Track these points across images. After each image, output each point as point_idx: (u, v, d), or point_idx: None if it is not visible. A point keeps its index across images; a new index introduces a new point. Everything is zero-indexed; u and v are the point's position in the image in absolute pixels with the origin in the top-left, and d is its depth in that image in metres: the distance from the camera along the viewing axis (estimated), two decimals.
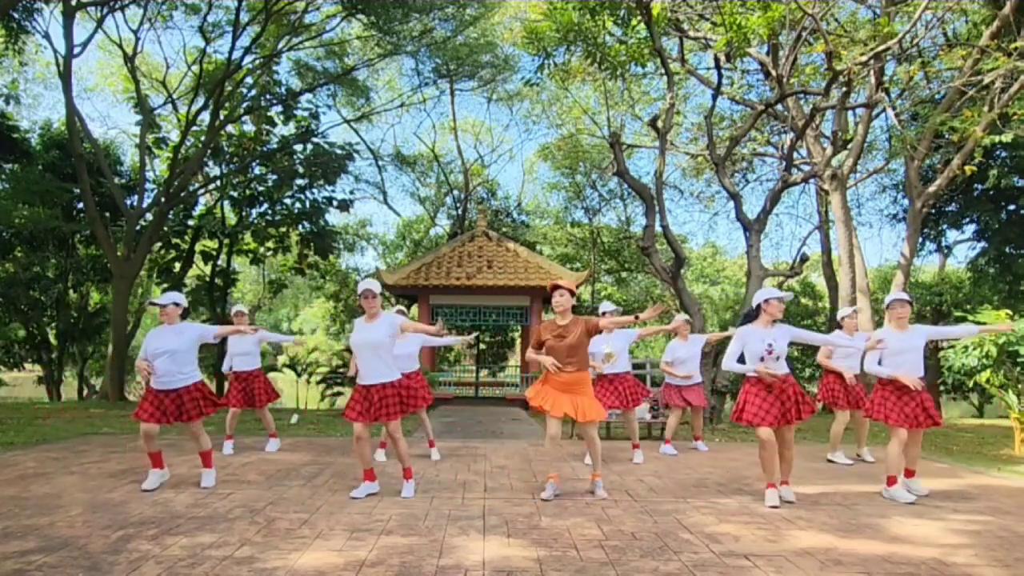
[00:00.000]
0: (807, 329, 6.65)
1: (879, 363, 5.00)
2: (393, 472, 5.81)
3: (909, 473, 5.07)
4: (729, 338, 5.18)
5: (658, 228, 11.22)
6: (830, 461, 6.57)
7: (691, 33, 12.70)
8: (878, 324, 14.73)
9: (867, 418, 5.35)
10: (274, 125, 19.26)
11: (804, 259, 14.33)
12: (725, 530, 4.04)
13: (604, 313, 6.33)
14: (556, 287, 4.84)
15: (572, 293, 4.86)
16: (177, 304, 5.13)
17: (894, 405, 4.91)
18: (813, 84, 12.65)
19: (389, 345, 4.81)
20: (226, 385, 7.55)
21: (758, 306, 4.82)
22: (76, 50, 14.04)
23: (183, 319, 5.18)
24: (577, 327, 4.74)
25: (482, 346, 23.49)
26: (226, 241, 19.60)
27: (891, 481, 4.95)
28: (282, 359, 38.37)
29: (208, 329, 5.26)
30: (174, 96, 17.74)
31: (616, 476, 5.75)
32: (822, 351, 6.58)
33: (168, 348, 4.93)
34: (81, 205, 17.90)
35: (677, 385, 7.15)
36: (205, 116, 16.61)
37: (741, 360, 4.84)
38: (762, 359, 4.69)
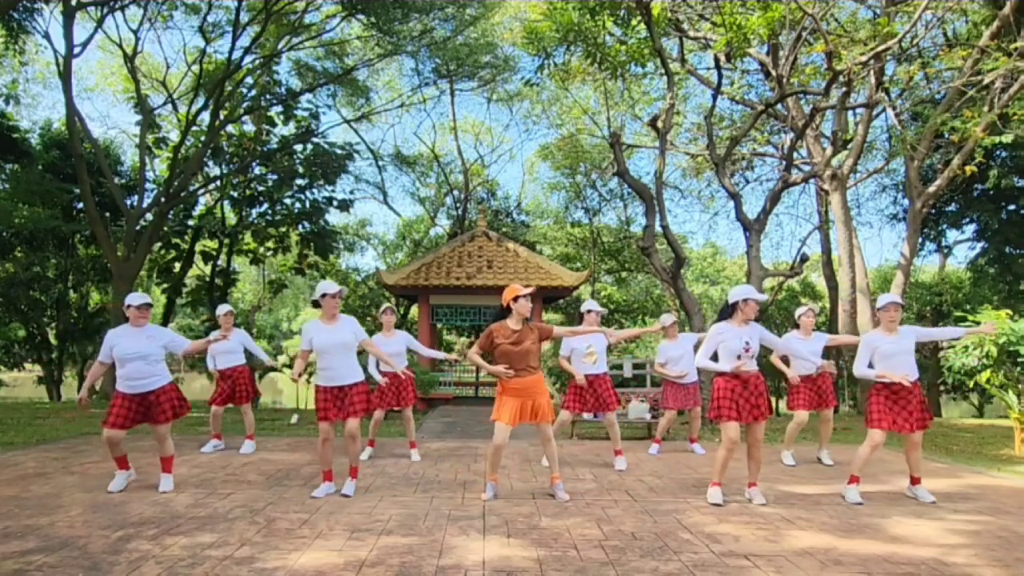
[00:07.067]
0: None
1: (869, 366, 4.95)
2: (393, 472, 5.82)
3: (915, 480, 5.02)
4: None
5: (658, 228, 11.22)
6: (780, 461, 6.55)
7: (691, 33, 12.70)
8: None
9: (870, 428, 5.02)
10: (274, 125, 19.25)
11: (804, 259, 14.32)
12: (725, 530, 4.04)
13: (589, 311, 6.15)
14: (522, 295, 4.80)
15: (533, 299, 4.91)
16: (150, 305, 5.11)
17: (887, 411, 4.87)
18: (813, 84, 12.65)
19: (354, 345, 4.91)
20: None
21: (734, 304, 4.78)
22: (76, 50, 14.03)
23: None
24: (529, 335, 4.79)
25: None
26: (226, 241, 19.59)
27: (852, 480, 4.96)
28: (282, 359, 38.47)
29: (180, 342, 5.15)
30: (174, 96, 17.73)
31: (616, 476, 5.76)
32: (776, 352, 6.43)
33: (142, 352, 4.88)
34: (81, 205, 17.89)
35: (678, 384, 7.11)
36: (205, 116, 16.60)
37: (714, 358, 4.84)
38: (739, 357, 4.70)
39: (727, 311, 4.86)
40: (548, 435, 4.89)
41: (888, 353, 4.87)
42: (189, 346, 5.20)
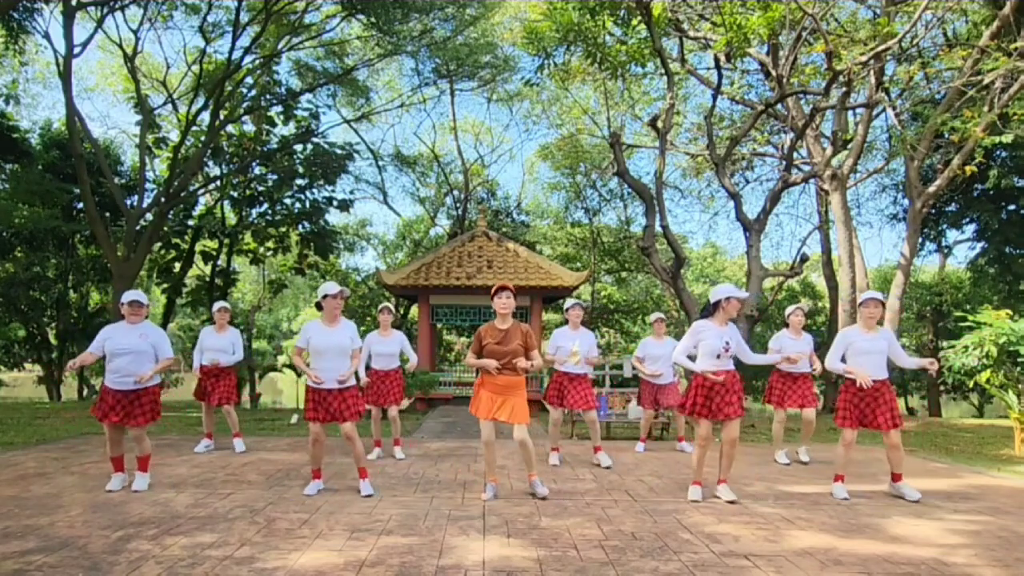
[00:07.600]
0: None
1: (842, 360, 4.98)
2: (393, 472, 5.82)
3: (895, 477, 5.01)
4: None
5: (658, 228, 11.24)
6: (775, 461, 6.56)
7: (691, 33, 12.71)
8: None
9: (840, 426, 5.07)
10: (274, 125, 19.26)
11: (804, 259, 14.35)
12: (725, 530, 4.03)
13: (567, 310, 6.34)
14: (502, 288, 4.77)
15: (515, 295, 4.86)
16: (142, 303, 5.06)
17: (854, 408, 4.93)
18: (813, 84, 12.66)
19: (350, 350, 4.88)
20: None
21: (716, 303, 4.77)
22: (76, 50, 14.02)
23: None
24: (516, 335, 4.76)
25: None
26: (226, 241, 19.60)
27: (836, 478, 5.06)
28: (282, 359, 38.47)
29: (164, 350, 5.04)
30: (174, 96, 17.74)
31: (616, 476, 5.76)
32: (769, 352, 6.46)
33: (133, 348, 4.86)
34: (81, 205, 17.90)
35: (652, 384, 7.11)
36: (205, 116, 16.60)
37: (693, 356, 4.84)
38: (718, 356, 4.70)
39: (709, 309, 4.85)
40: (522, 437, 4.81)
41: (861, 350, 4.89)
42: (163, 363, 5.01)
